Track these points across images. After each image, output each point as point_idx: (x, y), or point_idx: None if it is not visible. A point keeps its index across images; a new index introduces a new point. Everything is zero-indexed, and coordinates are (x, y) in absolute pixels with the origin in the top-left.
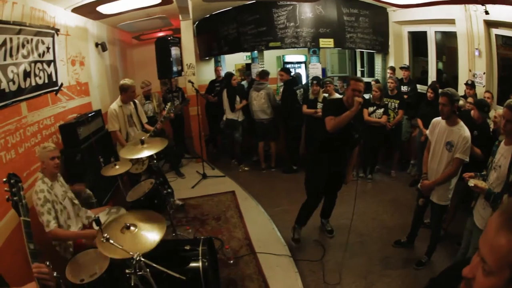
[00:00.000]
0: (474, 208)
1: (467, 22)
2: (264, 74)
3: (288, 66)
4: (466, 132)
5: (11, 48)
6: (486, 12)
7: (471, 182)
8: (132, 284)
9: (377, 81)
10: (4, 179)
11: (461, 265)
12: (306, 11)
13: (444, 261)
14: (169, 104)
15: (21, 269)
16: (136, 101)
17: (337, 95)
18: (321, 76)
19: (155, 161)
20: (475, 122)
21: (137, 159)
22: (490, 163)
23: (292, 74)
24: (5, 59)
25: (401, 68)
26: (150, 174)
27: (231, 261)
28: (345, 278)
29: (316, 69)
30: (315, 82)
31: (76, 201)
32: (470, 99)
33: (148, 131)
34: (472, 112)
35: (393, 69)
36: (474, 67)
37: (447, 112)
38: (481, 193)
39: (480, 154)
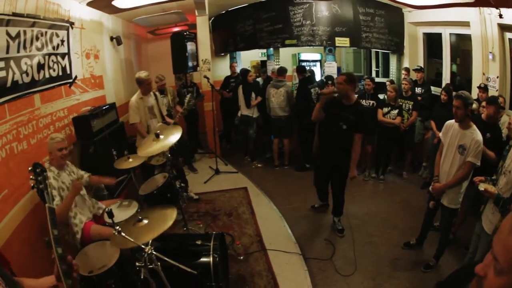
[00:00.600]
0: (483, 213)
1: (482, 25)
2: (282, 71)
3: (304, 64)
4: (479, 136)
5: (25, 41)
6: (500, 16)
7: (481, 186)
8: (142, 277)
9: (392, 82)
10: (30, 168)
11: (467, 269)
12: (322, 10)
13: (452, 265)
14: (188, 96)
15: (27, 260)
16: (156, 93)
17: None
18: (336, 75)
19: (169, 155)
20: (488, 123)
21: None
22: (500, 167)
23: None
24: (18, 51)
25: (415, 70)
26: (162, 168)
27: (241, 257)
28: (353, 278)
29: (331, 68)
30: (329, 82)
31: (82, 192)
32: (484, 103)
33: (169, 124)
34: (482, 115)
35: (407, 70)
36: (488, 71)
37: (460, 115)
38: (491, 197)
39: (494, 157)
